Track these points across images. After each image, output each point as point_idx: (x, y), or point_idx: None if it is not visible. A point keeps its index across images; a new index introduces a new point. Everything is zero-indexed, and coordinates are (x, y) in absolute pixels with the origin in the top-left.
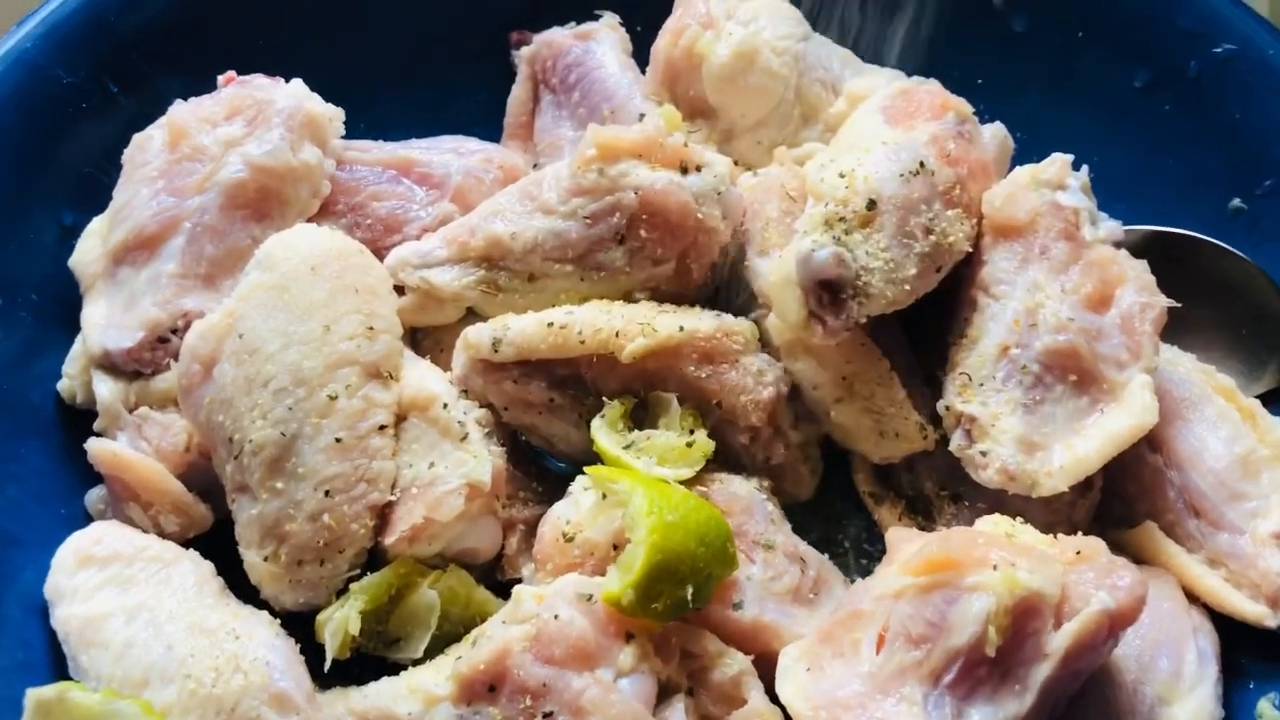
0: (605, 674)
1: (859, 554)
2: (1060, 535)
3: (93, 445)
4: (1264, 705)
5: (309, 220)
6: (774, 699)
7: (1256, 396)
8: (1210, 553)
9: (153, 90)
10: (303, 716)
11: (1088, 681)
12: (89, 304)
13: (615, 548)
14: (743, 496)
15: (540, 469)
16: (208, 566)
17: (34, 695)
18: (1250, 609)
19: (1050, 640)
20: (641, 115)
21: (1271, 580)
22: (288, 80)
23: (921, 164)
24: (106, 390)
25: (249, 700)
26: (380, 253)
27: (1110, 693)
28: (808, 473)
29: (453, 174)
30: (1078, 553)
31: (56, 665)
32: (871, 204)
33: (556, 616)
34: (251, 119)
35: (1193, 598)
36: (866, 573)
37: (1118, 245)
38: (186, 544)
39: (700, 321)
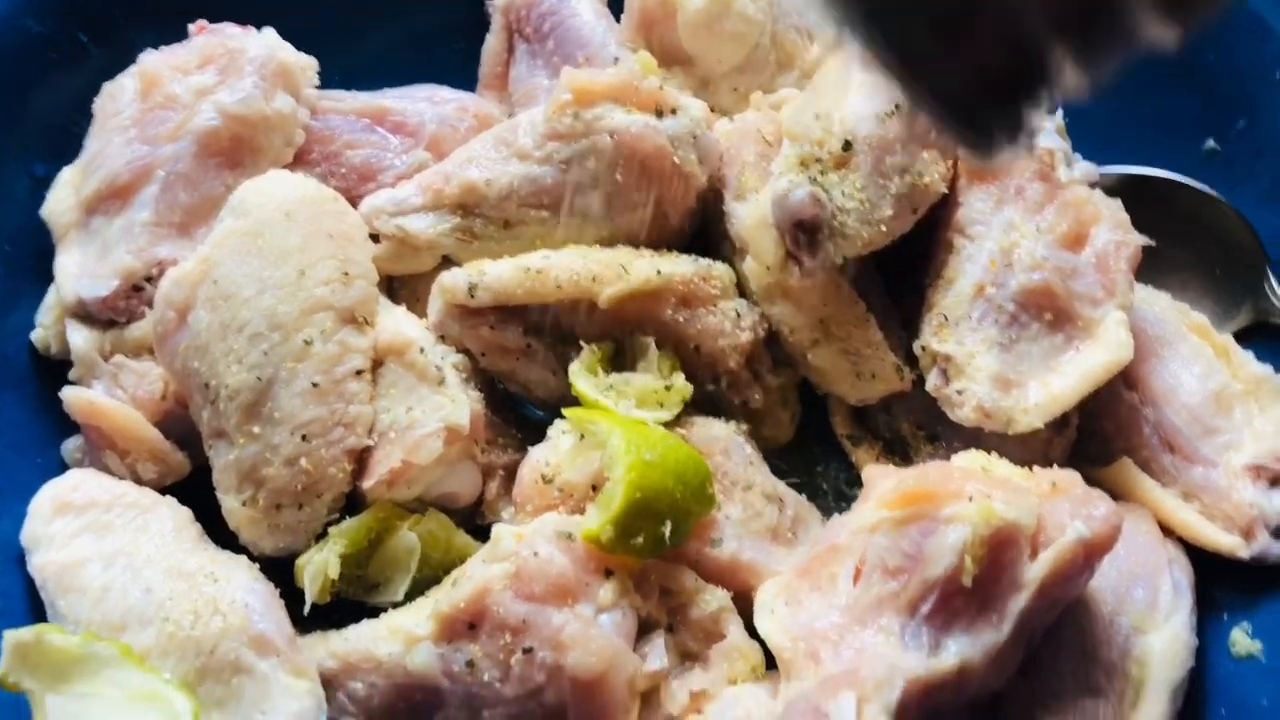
0: (585, 610)
1: (837, 497)
2: (1036, 469)
3: (68, 394)
4: (1237, 634)
5: (283, 169)
6: (753, 635)
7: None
8: (1185, 487)
9: (124, 41)
10: (282, 658)
11: (1064, 612)
12: (62, 253)
13: (594, 488)
14: (721, 438)
15: (519, 416)
16: (185, 512)
17: (11, 638)
18: (1224, 540)
19: (1026, 570)
20: (617, 59)
21: (1244, 512)
22: (259, 29)
23: (897, 105)
24: (81, 339)
25: (228, 642)
26: (355, 201)
27: (1086, 623)
28: (786, 416)
29: (427, 122)
30: (1053, 485)
31: (35, 612)
32: (847, 145)
33: (536, 554)
34: (224, 67)
35: (1168, 531)
36: None
37: (1093, 187)
38: (164, 491)
39: (678, 265)
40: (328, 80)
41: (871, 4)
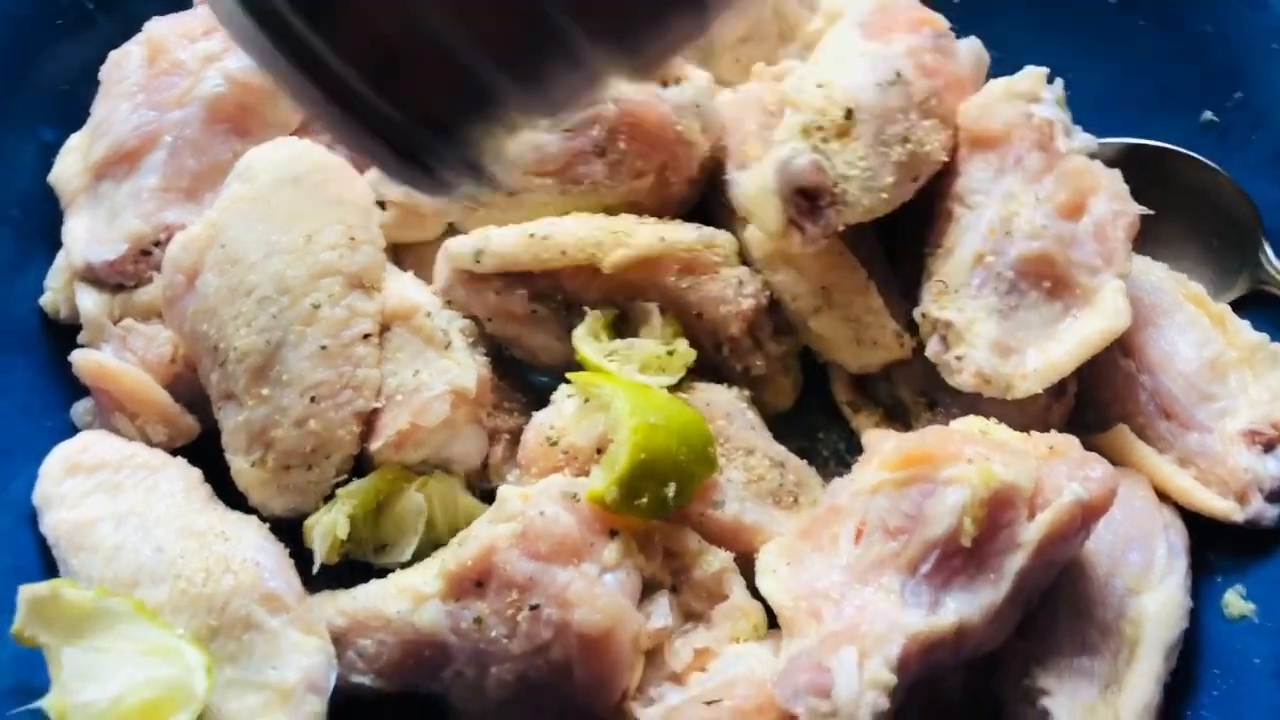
0: (590, 568)
1: (838, 462)
2: (1034, 433)
3: (78, 357)
4: (1230, 596)
5: (290, 136)
6: (755, 596)
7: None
8: (1180, 453)
9: (128, 8)
10: (293, 615)
11: (1061, 574)
12: (71, 218)
13: (599, 451)
14: (723, 403)
15: (523, 381)
16: (195, 473)
17: (27, 592)
18: (1219, 505)
19: (1024, 531)
20: None
21: (1239, 476)
22: None
23: (898, 74)
24: (90, 303)
25: (239, 599)
26: (361, 168)
27: (1082, 585)
28: (788, 383)
29: None
30: (1050, 448)
31: (47, 570)
32: (849, 113)
33: (542, 514)
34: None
35: (1163, 496)
36: None
37: (1092, 158)
38: (173, 453)
39: (681, 233)
40: None
41: (296, 55)
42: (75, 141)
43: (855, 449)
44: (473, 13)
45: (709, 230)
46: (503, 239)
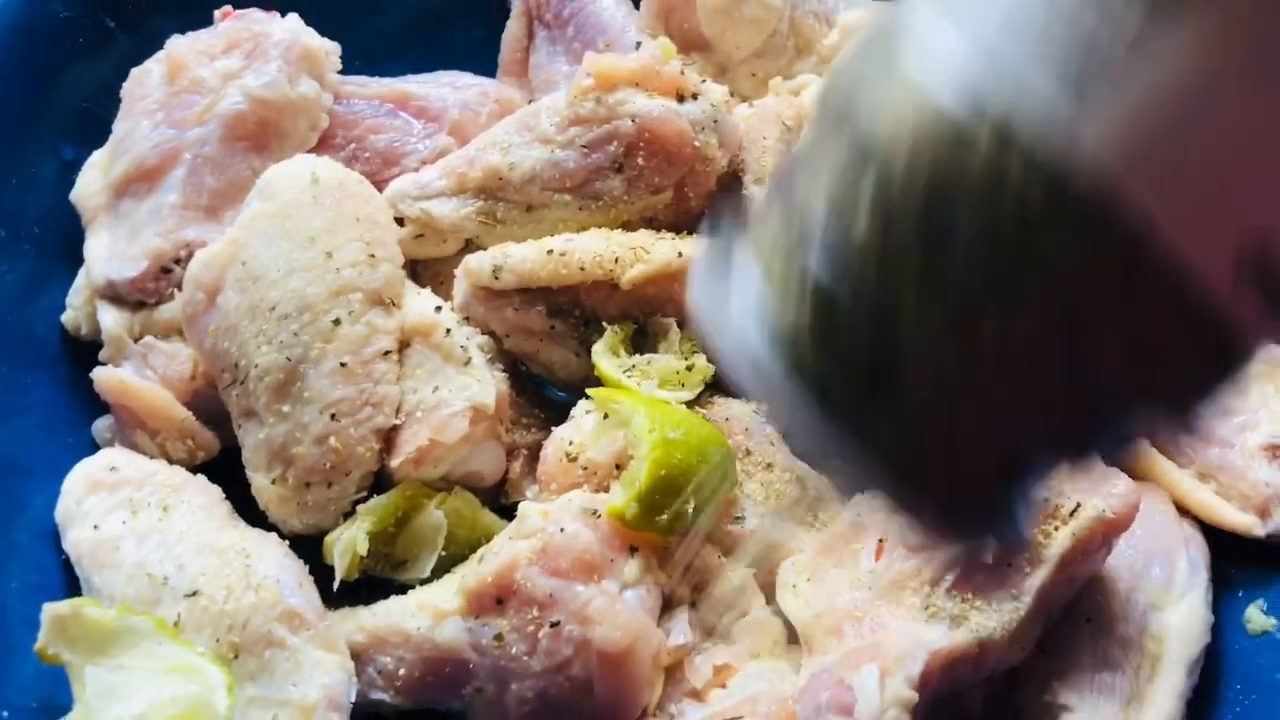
0: (611, 585)
1: None
2: None
3: (100, 374)
4: (1252, 610)
5: (308, 153)
6: (775, 612)
7: None
8: (1201, 467)
9: (149, 26)
10: (314, 633)
11: (1082, 590)
12: (92, 236)
13: (618, 467)
14: (742, 418)
15: (541, 397)
16: (215, 490)
17: (50, 610)
18: (1240, 519)
19: (1046, 547)
20: (638, 45)
21: (1260, 490)
22: (283, 15)
23: None
24: (111, 320)
25: (260, 617)
26: (379, 185)
27: (1104, 600)
28: None
29: (450, 107)
30: None
31: (70, 587)
32: None
33: (562, 530)
34: (249, 52)
35: (1184, 511)
36: None
37: None
38: (193, 470)
39: (698, 247)
40: (349, 66)
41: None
42: (96, 159)
43: None
44: (1045, 411)
45: None
46: (521, 255)
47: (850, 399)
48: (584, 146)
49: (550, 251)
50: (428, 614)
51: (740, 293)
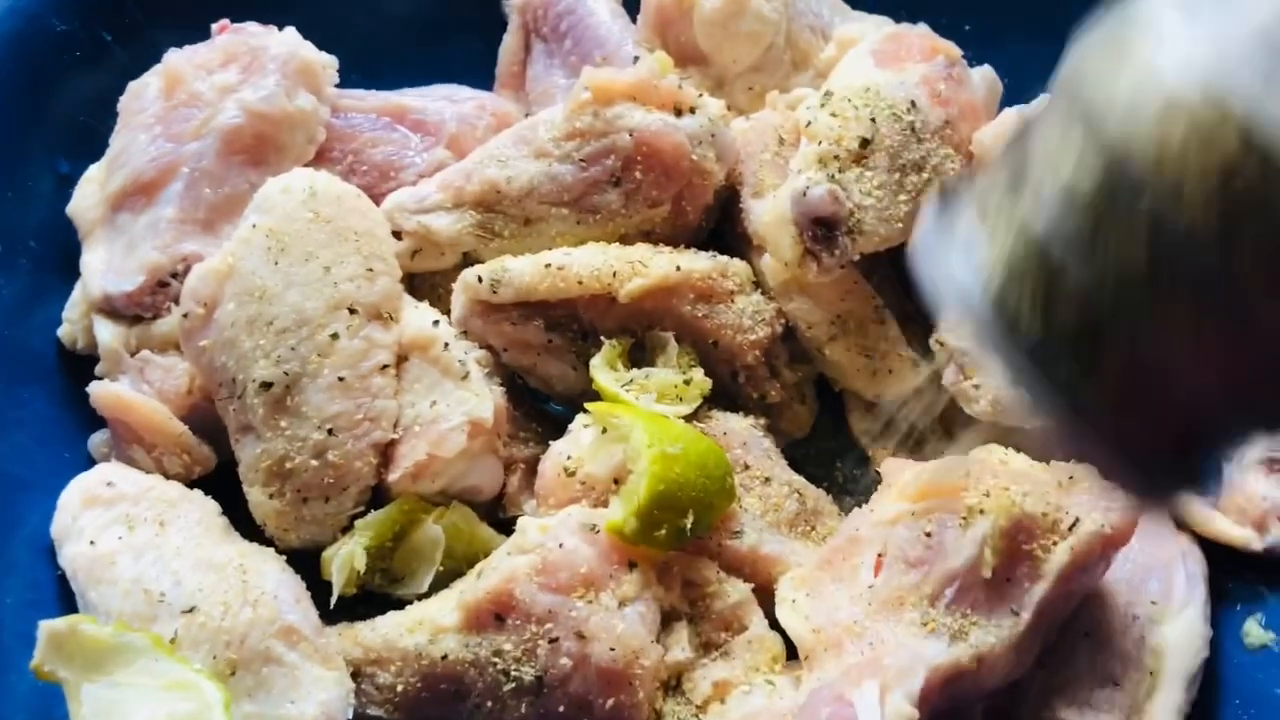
0: (609, 601)
1: (855, 491)
2: (1053, 462)
3: (96, 389)
4: (1250, 625)
5: (306, 166)
6: (774, 627)
7: None
8: None
9: (147, 40)
10: (311, 648)
11: (1081, 604)
12: (88, 250)
13: (616, 482)
14: (740, 432)
15: (539, 411)
16: (212, 505)
17: (46, 627)
18: (1237, 533)
19: (1045, 561)
20: (636, 58)
21: (1257, 504)
22: (281, 29)
23: (912, 103)
24: (108, 334)
25: (257, 633)
26: (377, 199)
27: (1102, 614)
28: (803, 411)
29: (447, 121)
30: (1070, 477)
31: (65, 603)
32: (864, 142)
33: (561, 545)
34: (246, 66)
35: (1181, 524)
36: None
37: None
38: (190, 485)
39: (696, 261)
40: (347, 80)
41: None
42: (93, 173)
43: (872, 477)
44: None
45: (724, 258)
46: (519, 269)
47: (1061, 363)
48: (581, 160)
49: (548, 265)
50: (426, 630)
51: (962, 248)
